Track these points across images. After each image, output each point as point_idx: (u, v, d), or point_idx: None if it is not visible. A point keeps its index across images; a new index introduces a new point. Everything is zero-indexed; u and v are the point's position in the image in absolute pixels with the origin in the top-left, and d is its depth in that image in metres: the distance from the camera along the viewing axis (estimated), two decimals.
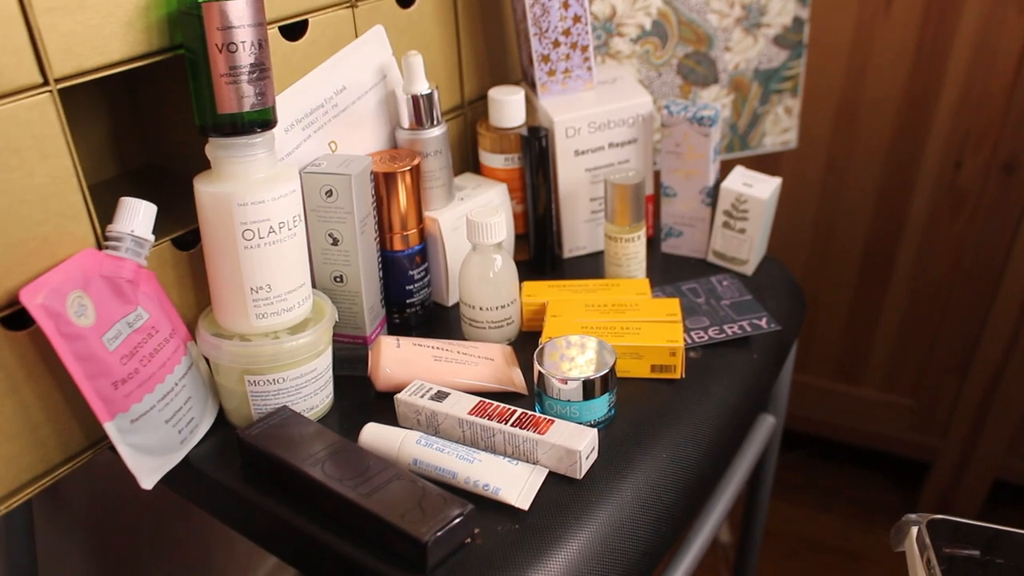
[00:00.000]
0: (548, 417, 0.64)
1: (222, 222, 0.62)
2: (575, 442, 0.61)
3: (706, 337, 0.77)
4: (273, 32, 0.68)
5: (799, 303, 0.88)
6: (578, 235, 0.89)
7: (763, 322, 0.78)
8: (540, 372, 0.66)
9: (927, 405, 1.49)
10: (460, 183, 0.85)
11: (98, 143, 0.76)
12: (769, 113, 1.05)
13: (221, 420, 0.69)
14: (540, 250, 0.86)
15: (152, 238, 0.62)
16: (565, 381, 0.64)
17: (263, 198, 0.62)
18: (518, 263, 0.88)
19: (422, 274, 0.79)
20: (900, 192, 1.36)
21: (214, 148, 0.62)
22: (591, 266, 0.89)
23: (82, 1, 0.56)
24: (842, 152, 1.37)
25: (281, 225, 0.63)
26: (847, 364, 1.54)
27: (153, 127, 0.77)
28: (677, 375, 0.72)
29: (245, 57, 0.60)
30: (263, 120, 0.62)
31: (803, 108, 1.23)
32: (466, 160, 0.90)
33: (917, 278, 1.41)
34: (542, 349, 0.68)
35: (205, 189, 0.62)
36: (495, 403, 0.66)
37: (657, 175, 0.90)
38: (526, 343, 0.77)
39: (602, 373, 0.65)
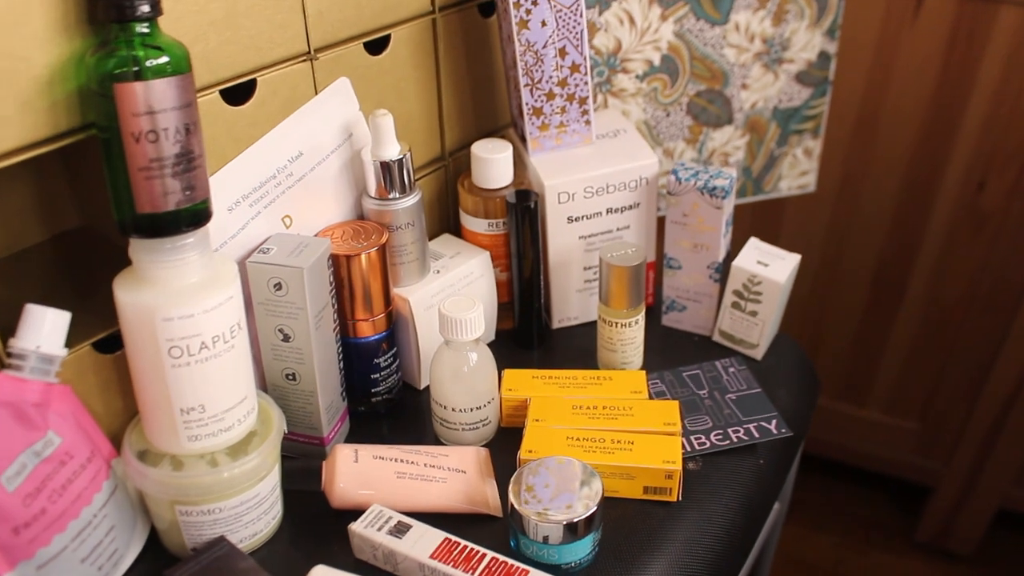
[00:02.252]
0: (522, 567, 0.55)
1: (145, 337, 0.53)
2: None
3: (708, 444, 0.68)
4: (212, 98, 0.58)
5: (812, 386, 0.79)
6: (569, 305, 0.80)
7: (772, 426, 0.69)
8: (515, 508, 0.57)
9: (932, 430, 1.44)
10: (437, 249, 0.75)
11: (21, 204, 0.66)
12: (787, 155, 0.95)
13: (154, 540, 0.61)
14: (525, 322, 0.77)
15: (63, 352, 0.53)
16: (545, 521, 0.56)
17: (193, 311, 0.53)
18: (501, 333, 0.79)
19: (390, 360, 0.70)
20: (918, 209, 1.29)
21: (135, 250, 0.53)
22: (583, 339, 0.79)
23: None
24: (859, 164, 1.29)
25: (216, 339, 0.54)
26: (853, 384, 1.49)
27: (87, 184, 0.67)
28: (673, 498, 0.63)
29: (168, 147, 0.50)
30: (193, 218, 0.52)
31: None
32: (446, 219, 0.80)
33: (931, 299, 1.35)
34: (519, 475, 0.59)
35: (125, 298, 0.53)
36: (462, 543, 0.57)
37: (662, 239, 0.80)
38: (506, 442, 0.69)
39: (587, 514, 0.56)
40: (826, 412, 1.53)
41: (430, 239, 0.78)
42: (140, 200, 0.51)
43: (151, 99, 0.49)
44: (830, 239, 1.37)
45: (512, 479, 0.59)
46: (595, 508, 0.57)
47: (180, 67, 0.50)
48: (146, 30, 0.49)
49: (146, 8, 0.48)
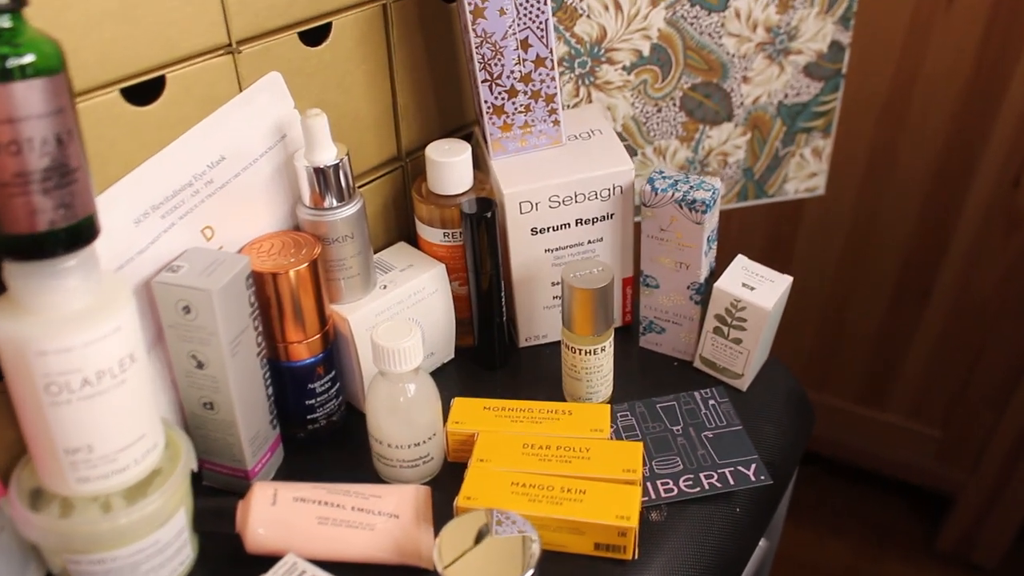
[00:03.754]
0: None
1: (20, 372, 0.47)
2: None
3: (676, 491, 0.60)
4: (111, 97, 0.51)
5: (805, 420, 0.71)
6: (536, 323, 0.72)
7: (751, 471, 0.62)
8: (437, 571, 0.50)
9: (956, 437, 1.38)
10: (388, 260, 0.68)
11: None
12: (793, 155, 0.86)
13: None
14: (486, 342, 0.70)
15: None
16: None
17: (70, 344, 0.46)
18: (462, 350, 0.72)
19: (327, 385, 0.64)
20: (947, 207, 1.22)
21: (8, 274, 0.47)
22: (552, 359, 0.72)
23: None
24: (885, 157, 1.22)
25: (100, 375, 0.48)
26: (873, 387, 1.44)
27: None
28: (628, 556, 0.56)
29: (35, 160, 0.43)
30: (72, 238, 0.46)
31: (844, 107, 1.04)
32: (404, 225, 0.73)
33: (958, 301, 1.28)
34: (448, 530, 0.52)
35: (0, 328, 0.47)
36: None
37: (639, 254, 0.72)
38: (452, 478, 0.62)
39: None
40: (845, 414, 1.47)
41: (385, 247, 0.71)
42: (6, 219, 0.44)
43: (11, 105, 0.42)
44: (852, 235, 1.30)
45: (439, 537, 0.52)
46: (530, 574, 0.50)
47: (48, 67, 0.43)
48: (7, 24, 0.42)
49: None
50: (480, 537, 0.52)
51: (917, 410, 1.40)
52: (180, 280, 0.54)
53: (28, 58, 0.43)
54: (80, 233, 0.47)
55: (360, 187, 0.68)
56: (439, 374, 0.72)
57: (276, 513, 0.56)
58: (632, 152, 0.81)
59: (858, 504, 1.51)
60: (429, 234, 0.68)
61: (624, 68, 0.77)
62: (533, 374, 0.72)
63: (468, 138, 0.75)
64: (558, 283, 0.70)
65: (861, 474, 1.51)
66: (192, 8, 0.53)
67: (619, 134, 0.80)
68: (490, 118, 0.65)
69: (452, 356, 0.73)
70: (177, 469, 0.54)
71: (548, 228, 0.67)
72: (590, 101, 0.78)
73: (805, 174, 0.87)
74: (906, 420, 1.42)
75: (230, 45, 0.56)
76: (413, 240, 0.71)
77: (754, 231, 1.34)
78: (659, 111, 0.80)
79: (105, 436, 0.50)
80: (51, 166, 0.44)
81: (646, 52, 0.77)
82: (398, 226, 0.72)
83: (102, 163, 0.52)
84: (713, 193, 0.64)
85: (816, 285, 1.35)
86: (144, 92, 0.53)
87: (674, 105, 0.80)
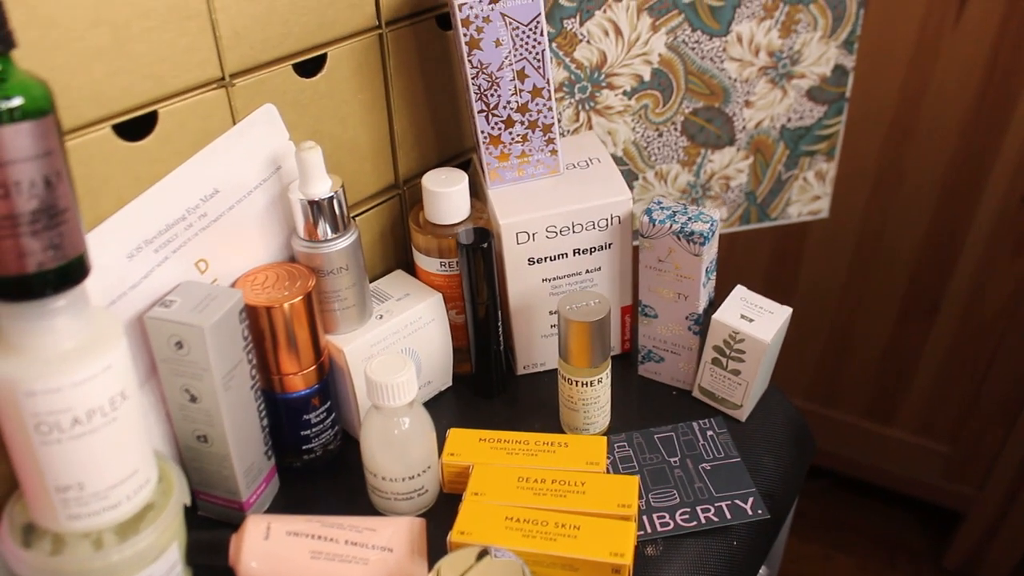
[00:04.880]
0: None
1: (10, 411, 0.47)
2: None
3: (672, 525, 0.60)
4: (103, 134, 0.51)
5: (804, 451, 0.71)
6: (534, 352, 0.72)
7: (748, 505, 0.61)
8: None
9: (965, 454, 1.37)
10: (385, 289, 0.68)
11: None
12: (796, 179, 0.85)
13: None
14: (484, 370, 0.70)
15: None
16: None
17: (60, 384, 0.46)
18: (460, 378, 0.72)
19: (322, 415, 0.63)
20: (955, 223, 1.21)
21: None
22: (549, 387, 0.71)
23: None
24: (892, 174, 1.21)
25: (91, 413, 0.48)
26: (881, 403, 1.42)
27: None
28: None
29: (23, 203, 0.43)
30: (61, 279, 0.46)
31: (851, 123, 1.04)
32: (402, 252, 0.73)
33: (966, 317, 1.27)
34: (443, 566, 0.52)
35: None
36: None
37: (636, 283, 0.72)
38: (448, 510, 0.61)
39: None
40: (852, 429, 1.46)
41: (381, 275, 0.71)
42: None
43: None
44: (860, 252, 1.29)
45: (433, 570, 0.52)
46: None
47: (36, 109, 0.43)
48: None
49: None
50: (474, 573, 0.51)
51: (925, 426, 1.39)
52: (172, 316, 0.54)
53: (16, 101, 0.43)
54: (70, 273, 0.46)
55: (356, 215, 0.67)
56: (436, 402, 0.71)
57: (269, 547, 0.56)
58: (633, 176, 0.80)
59: (865, 520, 1.49)
60: (426, 263, 0.67)
61: (625, 93, 0.76)
62: (531, 402, 0.71)
63: (466, 165, 0.75)
64: (555, 312, 0.70)
65: (869, 489, 1.49)
66: (186, 42, 0.53)
67: (620, 159, 0.79)
68: (487, 148, 0.65)
69: (449, 384, 0.72)
70: (169, 504, 0.53)
71: (545, 258, 0.66)
72: (590, 126, 0.77)
73: (808, 197, 0.87)
74: (914, 436, 1.41)
75: (223, 79, 0.56)
76: (410, 267, 0.71)
77: (760, 248, 1.33)
78: (660, 135, 0.80)
79: (96, 474, 0.49)
80: (40, 208, 0.44)
81: (647, 77, 0.76)
82: (395, 254, 0.72)
83: (94, 199, 0.52)
84: (711, 225, 0.63)
85: (824, 301, 1.34)
86: (136, 128, 0.53)
87: (675, 129, 0.79)
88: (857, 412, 1.45)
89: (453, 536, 0.56)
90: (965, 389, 1.32)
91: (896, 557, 1.43)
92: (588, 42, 0.73)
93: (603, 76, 0.75)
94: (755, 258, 1.34)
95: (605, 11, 0.72)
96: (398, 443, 0.59)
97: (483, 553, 0.52)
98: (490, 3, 0.59)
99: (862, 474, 1.48)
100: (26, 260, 0.45)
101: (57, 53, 0.48)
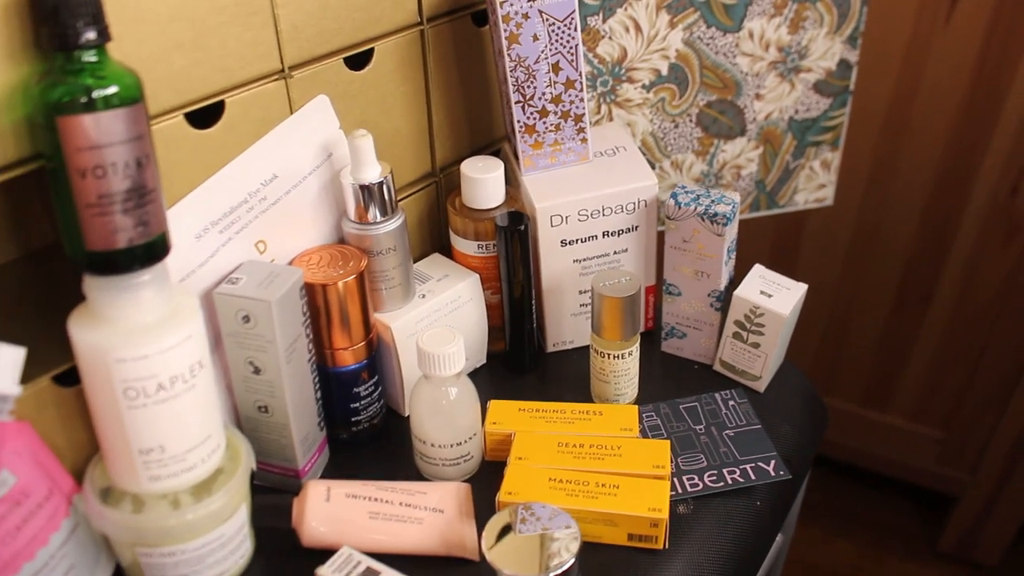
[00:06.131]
0: None
1: (100, 377, 0.51)
2: None
3: (701, 486, 0.64)
4: (176, 121, 0.55)
5: (819, 420, 0.75)
6: (563, 330, 0.76)
7: (771, 467, 0.65)
8: (491, 563, 0.54)
9: (958, 439, 1.42)
10: (425, 270, 0.72)
11: None
12: (803, 168, 0.90)
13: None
14: (517, 347, 0.74)
15: (17, 391, 0.51)
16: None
17: (147, 352, 0.50)
18: (494, 355, 0.76)
19: (371, 389, 0.67)
20: (948, 214, 1.25)
21: (88, 287, 0.50)
22: (578, 363, 0.76)
23: None
24: (887, 166, 1.25)
25: (174, 380, 0.52)
26: (876, 390, 1.47)
27: None
28: (659, 545, 0.60)
29: (118, 183, 0.47)
30: (148, 254, 0.50)
31: (849, 120, 1.09)
32: (437, 237, 0.77)
33: (959, 305, 1.32)
34: (493, 521, 0.56)
35: (79, 336, 0.50)
36: None
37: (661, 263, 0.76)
38: (490, 476, 0.66)
39: (561, 571, 0.53)
40: (848, 416, 1.51)
41: (420, 258, 0.75)
42: (89, 237, 0.48)
43: (97, 133, 0.46)
44: (856, 242, 1.34)
45: (485, 529, 0.56)
46: (570, 564, 0.53)
47: (130, 97, 0.47)
48: (93, 58, 0.46)
49: (91, 35, 0.45)
50: (522, 528, 0.55)
51: (919, 412, 1.44)
52: (241, 291, 0.58)
53: (112, 89, 0.47)
54: (155, 249, 0.50)
55: (398, 201, 0.71)
56: (472, 378, 0.75)
57: (330, 508, 0.59)
58: (651, 166, 0.85)
59: (861, 505, 1.54)
60: (463, 245, 0.72)
61: (644, 86, 0.81)
62: (560, 377, 0.76)
63: (496, 154, 0.79)
64: (585, 291, 0.74)
65: (864, 475, 1.54)
66: (251, 36, 0.57)
67: (638, 149, 0.84)
68: (522, 136, 0.69)
69: (484, 361, 0.76)
70: (239, 468, 0.57)
71: (576, 240, 0.71)
72: (611, 118, 0.82)
73: (814, 185, 0.91)
74: (909, 422, 1.45)
75: (283, 71, 0.60)
76: (446, 251, 0.75)
77: (761, 238, 1.38)
78: (676, 127, 0.84)
79: (176, 437, 0.53)
80: (131, 188, 0.48)
81: (664, 71, 0.81)
82: (431, 238, 0.76)
83: (168, 183, 0.56)
84: (733, 207, 0.68)
85: (821, 291, 1.39)
86: (205, 116, 0.57)
87: (690, 121, 0.84)
88: (854, 400, 1.49)
89: (501, 496, 0.60)
90: (958, 376, 1.36)
91: (892, 541, 1.47)
92: (610, 38, 0.78)
93: (624, 70, 0.80)
94: (755, 248, 1.39)
95: (626, 9, 0.77)
96: (446, 411, 0.63)
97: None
98: (528, 1, 0.64)
99: (858, 460, 1.53)
100: (118, 236, 0.49)
101: (142, 46, 0.51)
